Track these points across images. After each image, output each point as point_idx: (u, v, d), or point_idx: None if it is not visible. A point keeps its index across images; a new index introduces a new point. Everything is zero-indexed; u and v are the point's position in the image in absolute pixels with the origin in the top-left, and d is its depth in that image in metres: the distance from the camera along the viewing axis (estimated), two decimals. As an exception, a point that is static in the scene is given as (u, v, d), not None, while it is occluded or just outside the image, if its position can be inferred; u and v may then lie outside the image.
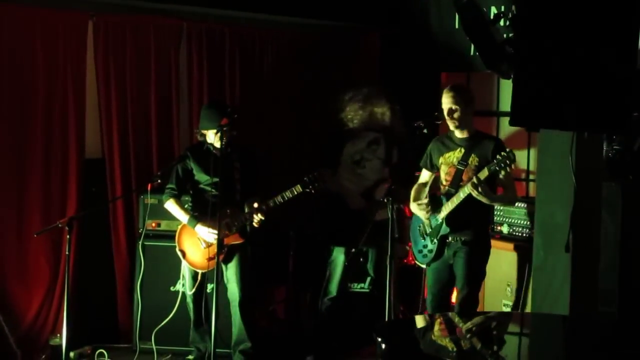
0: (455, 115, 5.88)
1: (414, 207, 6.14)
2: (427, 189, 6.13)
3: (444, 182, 5.97)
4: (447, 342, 4.23)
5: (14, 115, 6.77)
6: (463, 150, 5.89)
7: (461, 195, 5.75)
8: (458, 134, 5.96)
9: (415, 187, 6.24)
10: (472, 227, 5.90)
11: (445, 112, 5.91)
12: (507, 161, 5.51)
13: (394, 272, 5.59)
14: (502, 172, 5.59)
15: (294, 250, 7.37)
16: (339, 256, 6.74)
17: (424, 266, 6.17)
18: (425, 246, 6.06)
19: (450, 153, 5.96)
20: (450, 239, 5.93)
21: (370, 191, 6.65)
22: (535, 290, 5.37)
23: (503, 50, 4.37)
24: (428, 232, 6.00)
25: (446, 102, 5.91)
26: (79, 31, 6.96)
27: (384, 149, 6.66)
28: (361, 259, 6.88)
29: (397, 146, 6.70)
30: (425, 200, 6.05)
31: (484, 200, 5.68)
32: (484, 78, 7.50)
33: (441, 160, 6.00)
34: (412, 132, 5.69)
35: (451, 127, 5.96)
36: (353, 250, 6.03)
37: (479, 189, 5.61)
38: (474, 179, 5.63)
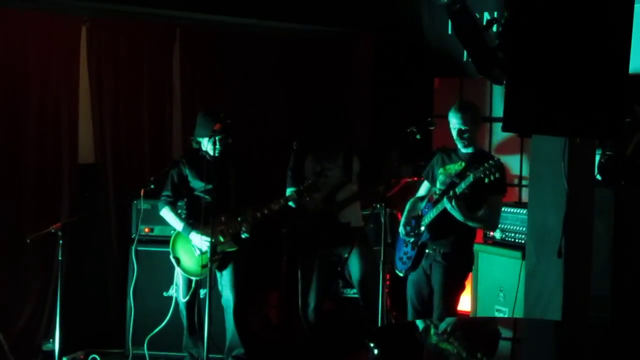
0: (466, 135, 5.84)
1: (401, 225, 6.10)
2: (423, 203, 6.09)
3: (438, 192, 5.93)
4: (440, 348, 4.24)
5: (7, 120, 6.78)
6: (463, 165, 5.86)
7: (439, 207, 5.72)
8: (463, 149, 5.92)
9: (412, 200, 6.21)
10: (453, 238, 5.84)
11: (454, 132, 5.83)
12: (493, 169, 5.40)
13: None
14: (487, 180, 5.50)
15: (286, 255, 7.37)
16: (310, 265, 6.72)
17: (401, 274, 6.13)
18: (405, 253, 6.04)
19: (452, 165, 5.92)
20: (429, 249, 5.91)
21: (332, 195, 6.64)
22: (527, 295, 5.36)
23: (495, 56, 4.38)
24: (411, 240, 5.98)
25: (455, 122, 5.82)
26: (72, 36, 6.97)
27: (343, 157, 6.65)
28: (338, 268, 6.78)
29: (359, 155, 6.68)
30: (408, 224, 6.03)
31: (457, 215, 5.60)
32: (477, 84, 7.51)
33: (441, 170, 5.96)
34: (405, 137, 5.65)
35: (460, 146, 5.89)
36: (346, 256, 6.02)
37: (453, 203, 5.56)
38: (451, 192, 5.61)
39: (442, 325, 4.81)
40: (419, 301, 6.02)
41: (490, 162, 5.46)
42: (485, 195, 5.69)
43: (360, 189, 6.62)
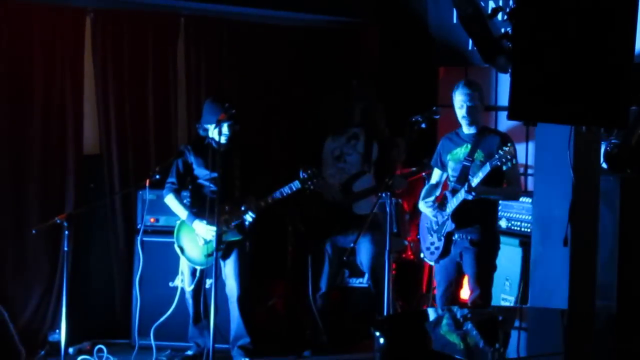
0: (472, 112, 5.88)
1: (421, 205, 6.14)
2: (438, 190, 6.14)
3: (451, 179, 5.99)
4: (446, 336, 4.24)
5: (12, 112, 6.78)
6: (469, 146, 5.89)
7: (459, 197, 5.77)
8: (465, 129, 5.96)
9: (426, 187, 6.26)
10: (479, 225, 5.90)
11: (461, 109, 5.88)
12: (509, 156, 5.49)
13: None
14: (504, 167, 5.57)
15: (292, 245, 7.37)
16: (325, 251, 6.73)
17: (432, 263, 6.18)
18: (432, 243, 6.08)
19: (458, 149, 5.98)
20: (456, 236, 5.94)
21: (350, 183, 6.65)
22: (533, 284, 5.37)
23: (501, 44, 4.37)
24: (435, 228, 6.01)
25: (461, 99, 5.89)
26: (76, 26, 6.97)
27: (364, 144, 6.67)
28: (345, 258, 6.78)
29: (379, 141, 6.70)
30: (432, 197, 6.07)
31: (484, 197, 5.72)
32: (482, 72, 7.50)
33: (449, 157, 6.01)
34: (410, 126, 5.68)
35: (464, 124, 5.95)
36: (352, 245, 6.02)
37: (472, 194, 5.63)
38: (466, 186, 5.64)
39: (448, 314, 4.81)
40: (447, 286, 6.11)
41: (505, 148, 5.53)
42: (501, 170, 5.74)
43: (377, 181, 6.62)
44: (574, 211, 4.84)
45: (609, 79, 3.90)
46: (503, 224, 6.83)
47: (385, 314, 5.56)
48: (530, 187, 7.14)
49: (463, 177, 5.82)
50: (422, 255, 6.32)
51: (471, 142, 5.89)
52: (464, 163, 5.86)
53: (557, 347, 4.06)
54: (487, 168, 5.59)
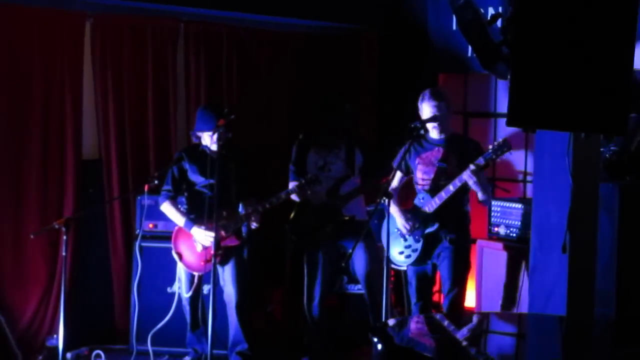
0: (442, 121, 5.95)
1: (394, 210, 6.12)
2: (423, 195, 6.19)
3: (420, 182, 6.03)
4: (443, 343, 4.23)
5: (11, 116, 6.78)
6: (442, 150, 5.95)
7: (451, 188, 5.81)
8: (434, 135, 6.02)
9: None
10: (459, 223, 6.01)
11: (428, 119, 5.94)
12: (505, 148, 5.66)
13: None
14: (498, 160, 5.78)
15: (290, 251, 7.36)
16: (319, 259, 6.70)
17: (404, 268, 6.18)
18: (408, 246, 6.07)
19: (429, 153, 6.02)
20: (437, 236, 5.97)
21: (336, 188, 6.63)
22: (531, 290, 5.37)
23: (500, 51, 4.37)
24: (413, 230, 6.02)
25: (429, 110, 5.95)
26: (76, 32, 6.96)
27: (346, 151, 6.65)
28: (342, 264, 6.74)
29: (361, 147, 6.69)
30: (409, 219, 6.07)
31: (478, 189, 5.80)
32: (482, 79, 7.51)
33: (418, 160, 6.05)
34: (410, 132, 5.71)
35: (434, 133, 6.02)
36: (350, 251, 6.01)
37: (478, 176, 5.69)
38: (472, 167, 5.68)
39: (447, 320, 4.80)
40: (427, 291, 6.15)
41: (500, 141, 5.73)
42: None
43: (363, 182, 6.62)
44: (572, 218, 4.85)
45: (608, 86, 3.90)
46: (502, 231, 6.83)
47: (383, 320, 5.56)
48: (529, 194, 7.14)
49: (438, 178, 5.91)
50: (393, 261, 6.24)
51: (444, 147, 5.95)
52: (439, 166, 5.91)
53: (556, 354, 4.05)
54: (481, 160, 5.69)
